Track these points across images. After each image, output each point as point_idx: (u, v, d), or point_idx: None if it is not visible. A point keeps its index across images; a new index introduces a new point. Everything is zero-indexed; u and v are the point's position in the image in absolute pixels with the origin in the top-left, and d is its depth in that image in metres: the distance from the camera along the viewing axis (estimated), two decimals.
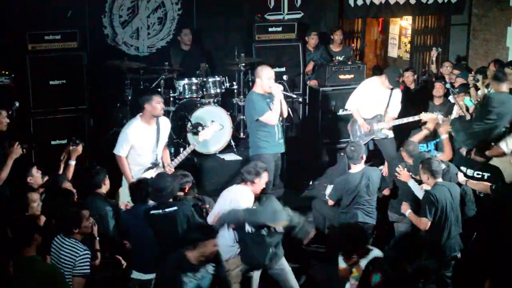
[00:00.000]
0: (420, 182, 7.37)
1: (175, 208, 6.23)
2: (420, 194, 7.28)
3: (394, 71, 9.14)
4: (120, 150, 7.40)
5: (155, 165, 7.46)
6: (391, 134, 9.14)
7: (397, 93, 9.11)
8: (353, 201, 7.54)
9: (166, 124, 7.67)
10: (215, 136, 8.77)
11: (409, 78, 10.70)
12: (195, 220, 6.27)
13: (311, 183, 9.62)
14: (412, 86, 10.78)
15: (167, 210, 6.21)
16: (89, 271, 5.54)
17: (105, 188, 6.82)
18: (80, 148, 7.37)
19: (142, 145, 7.42)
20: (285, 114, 8.07)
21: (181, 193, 6.80)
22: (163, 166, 7.56)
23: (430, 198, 6.88)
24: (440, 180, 7.01)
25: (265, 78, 7.87)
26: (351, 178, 7.58)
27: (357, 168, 7.60)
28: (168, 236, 6.18)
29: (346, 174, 7.77)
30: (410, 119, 8.93)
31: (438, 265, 6.96)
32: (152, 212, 6.27)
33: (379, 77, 9.13)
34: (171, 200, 6.33)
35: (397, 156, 8.21)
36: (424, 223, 6.89)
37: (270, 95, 7.91)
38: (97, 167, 6.93)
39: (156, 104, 7.35)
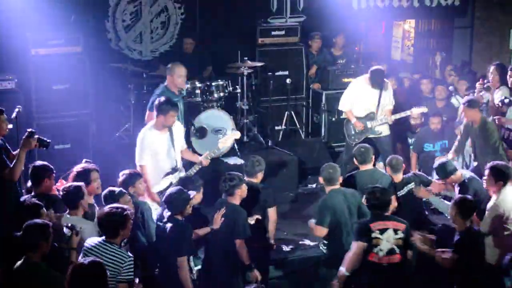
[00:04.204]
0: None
1: (170, 225, 6.11)
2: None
3: (376, 73, 9.02)
4: (142, 160, 7.38)
5: (175, 170, 7.48)
6: (386, 131, 9.13)
7: (388, 88, 9.14)
8: None
9: (178, 128, 7.70)
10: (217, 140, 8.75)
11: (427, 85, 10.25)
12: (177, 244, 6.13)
13: (314, 185, 9.61)
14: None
15: (166, 225, 6.16)
16: (133, 276, 5.44)
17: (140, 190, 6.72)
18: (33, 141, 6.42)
19: (158, 151, 7.42)
20: None
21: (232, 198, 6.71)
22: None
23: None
24: (336, 187, 6.76)
25: (176, 76, 8.14)
26: None
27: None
28: (158, 248, 6.27)
29: None
30: (402, 114, 9.07)
31: None
32: (158, 222, 6.32)
33: (366, 76, 9.13)
34: (179, 216, 6.16)
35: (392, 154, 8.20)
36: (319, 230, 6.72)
37: (180, 93, 8.31)
38: None
39: (170, 117, 7.38)
